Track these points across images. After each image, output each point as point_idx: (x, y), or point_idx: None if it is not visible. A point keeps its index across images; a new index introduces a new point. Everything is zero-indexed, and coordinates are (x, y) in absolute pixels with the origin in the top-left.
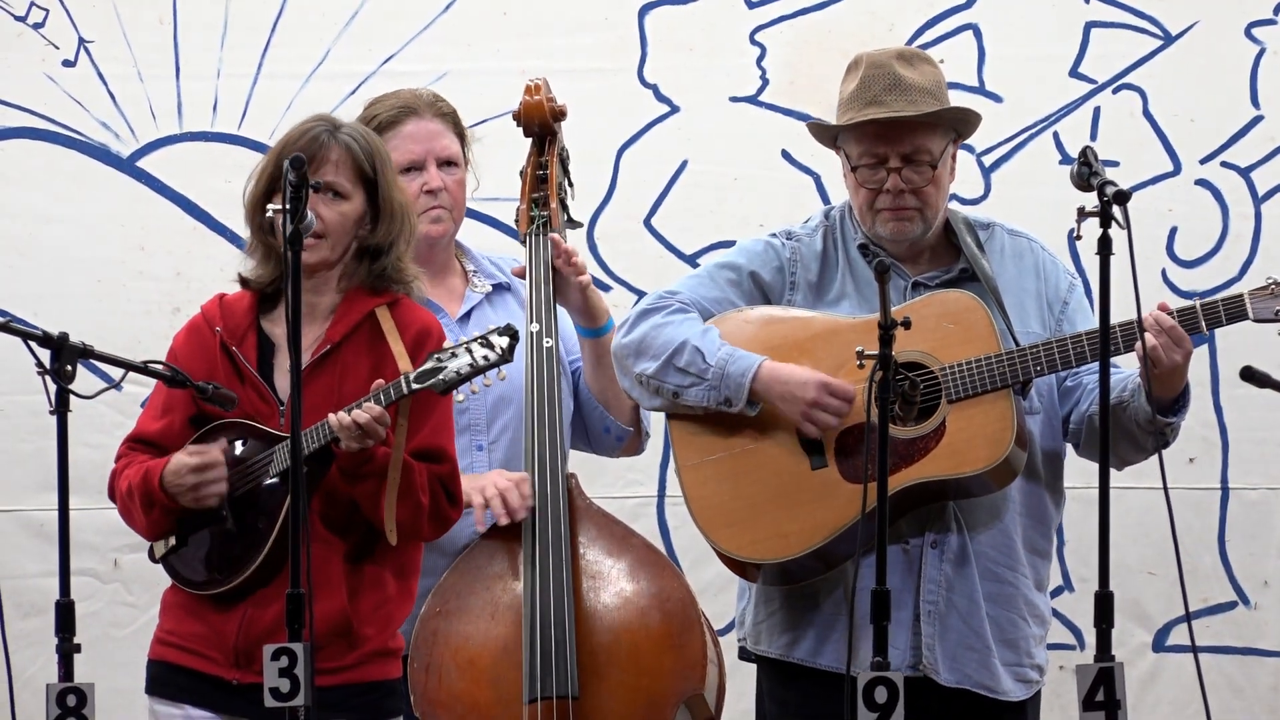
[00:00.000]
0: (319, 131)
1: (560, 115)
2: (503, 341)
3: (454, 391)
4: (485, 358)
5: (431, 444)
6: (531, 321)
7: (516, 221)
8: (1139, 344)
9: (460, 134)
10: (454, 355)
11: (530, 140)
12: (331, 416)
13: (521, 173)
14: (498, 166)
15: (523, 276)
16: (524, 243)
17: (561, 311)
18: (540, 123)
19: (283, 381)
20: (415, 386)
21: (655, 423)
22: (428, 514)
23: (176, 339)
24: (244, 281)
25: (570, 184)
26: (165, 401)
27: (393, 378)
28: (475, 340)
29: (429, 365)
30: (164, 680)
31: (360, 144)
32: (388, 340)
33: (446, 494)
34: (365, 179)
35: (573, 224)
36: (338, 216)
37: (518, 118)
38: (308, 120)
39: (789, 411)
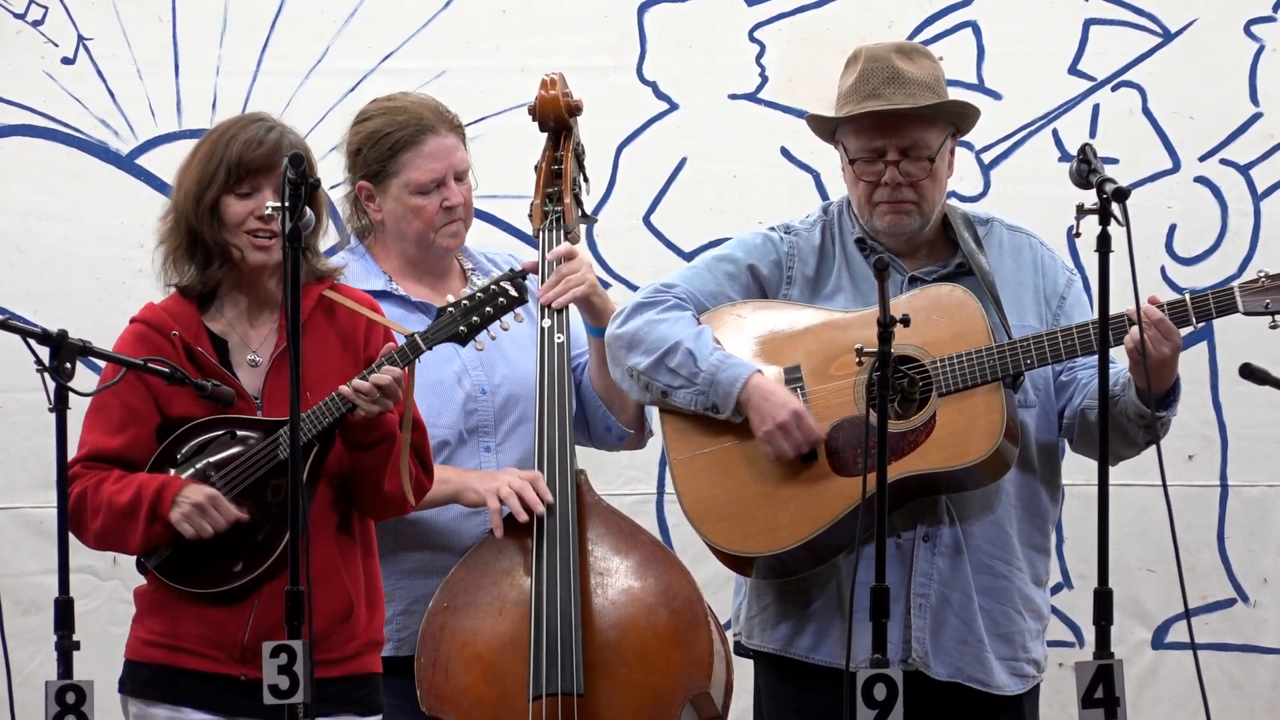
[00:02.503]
0: (270, 132)
1: (576, 110)
2: (511, 285)
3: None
4: (501, 304)
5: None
6: (543, 317)
7: (530, 216)
8: (1128, 337)
9: (464, 142)
10: (466, 306)
11: (546, 135)
12: (344, 387)
13: (536, 167)
14: (498, 164)
15: (536, 272)
16: (537, 238)
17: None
18: (555, 117)
19: (246, 376)
20: (433, 343)
21: (655, 420)
22: (414, 483)
23: (120, 350)
24: (183, 290)
25: (586, 179)
26: (123, 415)
27: (375, 342)
28: (485, 288)
29: (442, 321)
30: (156, 682)
31: (303, 144)
32: (353, 312)
33: (422, 463)
34: None
35: (587, 219)
36: None
37: (533, 112)
38: (248, 122)
39: (754, 424)
